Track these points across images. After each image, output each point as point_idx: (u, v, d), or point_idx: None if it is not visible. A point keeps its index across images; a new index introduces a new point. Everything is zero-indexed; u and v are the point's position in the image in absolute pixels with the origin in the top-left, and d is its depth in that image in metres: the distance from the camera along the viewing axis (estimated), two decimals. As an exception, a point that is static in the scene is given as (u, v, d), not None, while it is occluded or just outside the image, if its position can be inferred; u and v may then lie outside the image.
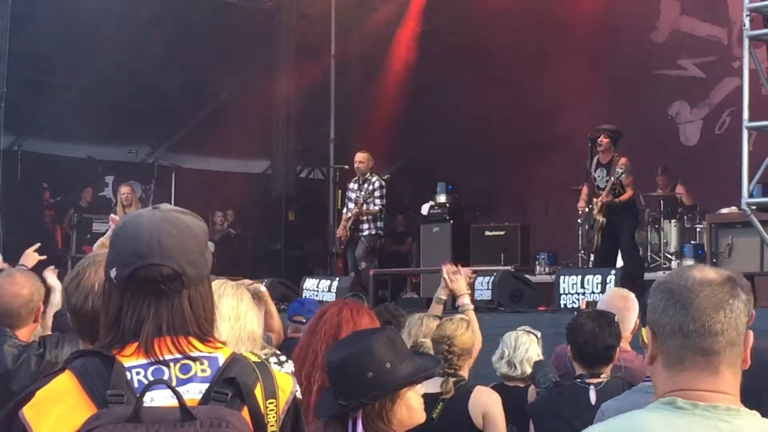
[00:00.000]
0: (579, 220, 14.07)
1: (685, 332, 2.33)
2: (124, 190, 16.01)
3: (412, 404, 3.74)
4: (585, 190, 13.79)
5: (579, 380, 5.42)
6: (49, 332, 5.16)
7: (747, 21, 10.98)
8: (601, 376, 5.42)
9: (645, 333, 4.17)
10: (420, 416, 3.76)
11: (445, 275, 6.94)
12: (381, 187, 15.18)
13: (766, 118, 11.24)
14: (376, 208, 15.12)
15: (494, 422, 5.82)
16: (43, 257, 7.73)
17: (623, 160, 13.37)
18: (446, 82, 19.57)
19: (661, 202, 16.47)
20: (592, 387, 5.30)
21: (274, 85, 20.53)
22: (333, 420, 3.65)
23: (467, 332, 5.98)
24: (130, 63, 18.70)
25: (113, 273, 2.55)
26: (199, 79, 19.21)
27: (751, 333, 2.38)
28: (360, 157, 15.31)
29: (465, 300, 6.80)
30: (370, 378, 3.60)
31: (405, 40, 20.55)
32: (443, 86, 19.58)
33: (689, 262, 14.77)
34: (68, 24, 17.29)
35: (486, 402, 5.84)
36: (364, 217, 15.15)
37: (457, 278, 6.92)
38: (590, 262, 14.05)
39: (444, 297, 7.02)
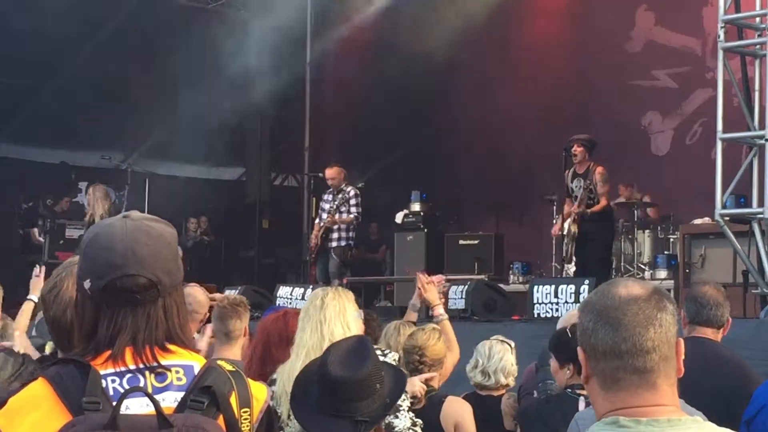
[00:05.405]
0: (561, 233, 13.76)
1: (617, 353, 2.35)
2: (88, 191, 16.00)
3: None
4: (567, 208, 13.50)
5: (569, 390, 5.43)
6: None
7: (722, 33, 11.02)
8: None
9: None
10: None
11: (418, 285, 6.97)
12: (356, 195, 15.12)
13: (738, 130, 11.27)
14: (351, 216, 15.04)
15: None
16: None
17: (599, 168, 13.26)
18: (421, 91, 19.57)
19: (635, 212, 16.49)
20: (582, 398, 5.31)
21: (249, 92, 20.50)
22: None
23: (439, 342, 5.99)
24: (103, 68, 18.63)
25: (87, 284, 2.55)
26: (174, 85, 19.16)
27: (681, 341, 2.41)
28: (330, 173, 15.15)
29: (439, 310, 6.85)
30: (379, 390, 3.59)
31: (381, 49, 20.54)
32: (418, 95, 19.58)
33: (662, 272, 14.85)
34: (41, 28, 17.20)
35: (458, 412, 5.85)
36: (336, 226, 15.07)
37: (430, 288, 6.95)
38: (563, 273, 14.00)
39: (418, 305, 7.06)
